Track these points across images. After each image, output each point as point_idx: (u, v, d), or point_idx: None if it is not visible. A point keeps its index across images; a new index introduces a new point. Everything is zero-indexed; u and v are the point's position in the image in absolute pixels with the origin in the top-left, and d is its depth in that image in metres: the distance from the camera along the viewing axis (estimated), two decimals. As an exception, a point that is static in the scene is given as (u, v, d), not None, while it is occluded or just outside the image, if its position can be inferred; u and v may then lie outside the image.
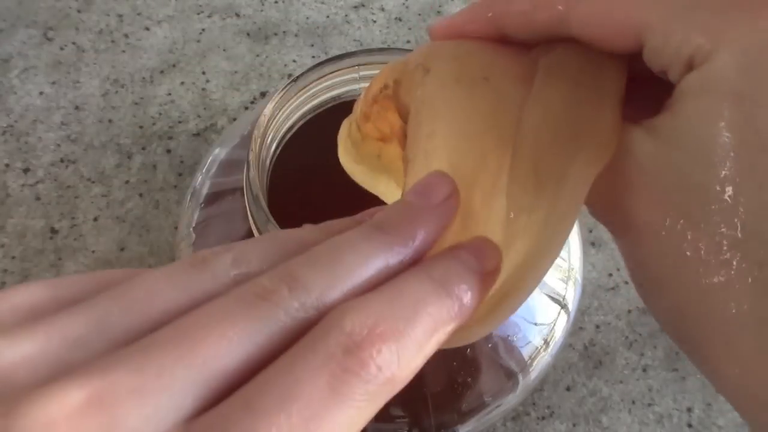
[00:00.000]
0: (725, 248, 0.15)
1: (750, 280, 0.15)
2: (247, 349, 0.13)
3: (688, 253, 0.16)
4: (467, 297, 0.16)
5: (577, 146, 0.18)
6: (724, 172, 0.15)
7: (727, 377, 0.16)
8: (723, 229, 0.15)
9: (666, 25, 0.16)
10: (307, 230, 0.18)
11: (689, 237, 0.16)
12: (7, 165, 0.46)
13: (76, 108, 0.48)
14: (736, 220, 0.15)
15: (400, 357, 0.14)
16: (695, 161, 0.16)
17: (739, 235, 0.15)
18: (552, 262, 0.18)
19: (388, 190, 0.27)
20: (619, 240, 0.19)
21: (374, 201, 0.25)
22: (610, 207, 0.18)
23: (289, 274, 0.15)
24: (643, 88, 0.19)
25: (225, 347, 0.13)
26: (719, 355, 0.16)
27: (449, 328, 0.15)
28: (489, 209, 0.19)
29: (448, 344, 0.17)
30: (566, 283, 0.31)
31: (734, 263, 0.15)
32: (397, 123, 0.23)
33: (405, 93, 0.21)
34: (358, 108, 0.24)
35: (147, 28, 0.52)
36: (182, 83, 0.50)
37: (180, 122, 0.48)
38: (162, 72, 0.50)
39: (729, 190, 0.15)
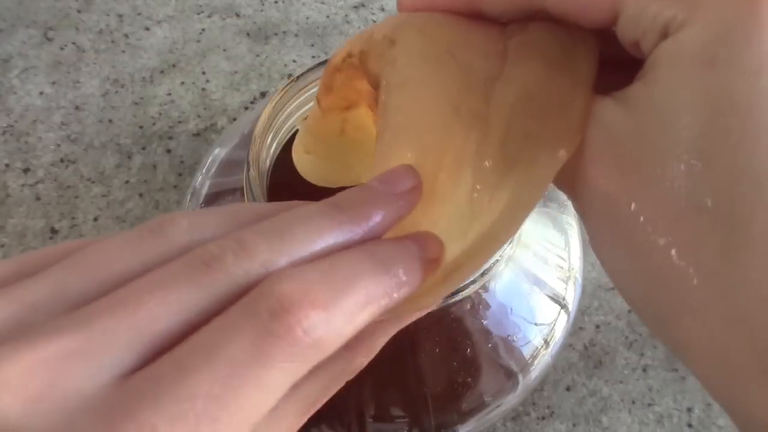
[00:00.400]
0: (695, 213, 0.15)
1: (719, 244, 0.15)
2: (187, 312, 0.14)
3: (657, 222, 0.16)
4: (405, 278, 0.16)
5: (548, 129, 0.18)
6: (697, 136, 0.15)
7: (696, 349, 0.16)
8: (694, 194, 0.15)
9: None
10: (268, 204, 0.18)
11: (659, 204, 0.16)
12: (7, 165, 0.46)
13: (76, 108, 0.48)
14: (708, 183, 0.15)
15: (329, 324, 0.15)
16: (668, 127, 0.16)
17: (710, 199, 0.15)
18: (506, 242, 0.18)
19: (340, 178, 0.27)
20: (583, 215, 0.19)
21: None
22: (576, 179, 0.18)
23: (238, 241, 0.15)
24: (609, 73, 0.19)
25: (165, 311, 0.14)
26: (688, 326, 0.16)
27: (383, 303, 0.16)
28: (454, 184, 0.19)
29: (395, 314, 0.17)
30: (566, 283, 0.31)
31: (703, 229, 0.15)
32: (365, 88, 0.22)
33: (373, 63, 0.21)
34: (320, 82, 0.24)
35: (147, 28, 0.52)
36: (182, 83, 0.50)
37: (180, 122, 0.48)
38: (162, 72, 0.50)
39: (702, 153, 0.15)
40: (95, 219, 0.44)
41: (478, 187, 0.19)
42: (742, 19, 0.15)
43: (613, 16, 0.17)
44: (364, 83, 0.22)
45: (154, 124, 0.48)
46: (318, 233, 0.16)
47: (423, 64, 0.20)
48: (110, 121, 0.48)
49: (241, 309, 0.14)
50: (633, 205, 0.16)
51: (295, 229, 0.16)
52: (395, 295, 0.16)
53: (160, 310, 0.14)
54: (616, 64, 0.19)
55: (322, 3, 0.54)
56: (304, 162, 0.27)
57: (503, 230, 0.18)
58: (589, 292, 0.44)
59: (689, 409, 0.41)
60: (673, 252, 0.16)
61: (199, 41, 0.52)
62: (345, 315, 0.15)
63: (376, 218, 0.17)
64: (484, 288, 0.28)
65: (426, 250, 0.17)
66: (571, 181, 0.18)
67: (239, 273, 0.15)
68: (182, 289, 0.14)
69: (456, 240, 0.18)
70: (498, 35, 0.20)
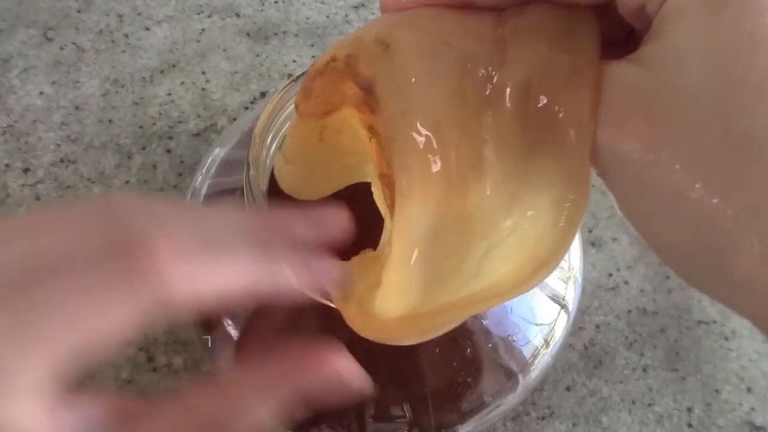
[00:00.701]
0: (731, 150, 0.15)
1: (759, 179, 0.15)
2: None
3: (693, 166, 0.16)
4: (286, 277, 0.18)
5: (566, 105, 0.18)
6: (723, 76, 0.15)
7: (759, 286, 0.16)
8: (727, 132, 0.15)
9: None
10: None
11: (693, 148, 0.16)
12: (7, 165, 0.46)
13: (76, 108, 0.48)
14: (740, 120, 0.15)
15: (185, 273, 0.15)
16: (692, 72, 0.16)
17: (742, 134, 0.15)
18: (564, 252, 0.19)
19: (320, 189, 0.27)
20: (613, 182, 0.19)
21: (371, 201, 0.25)
22: (600, 147, 0.18)
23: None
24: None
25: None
26: (742, 265, 0.16)
27: (250, 281, 0.17)
28: (479, 180, 0.19)
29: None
30: (566, 283, 0.31)
31: (741, 165, 0.15)
32: (351, 91, 0.22)
33: (365, 67, 0.21)
34: (300, 87, 0.24)
35: (147, 28, 0.52)
36: (182, 83, 0.50)
37: (180, 122, 0.48)
38: (162, 72, 0.50)
39: (731, 91, 0.15)
40: (95, 219, 0.44)
41: (506, 173, 0.19)
42: None
43: None
44: (349, 86, 0.22)
45: (154, 124, 0.48)
46: (229, 221, 0.18)
47: (421, 61, 0.19)
48: (110, 121, 0.48)
49: (109, 241, 0.15)
50: (667, 155, 0.16)
51: (213, 216, 0.17)
52: (269, 282, 0.17)
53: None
54: (609, 44, 0.19)
55: (322, 3, 0.54)
56: (284, 174, 0.27)
57: (560, 242, 0.19)
58: (589, 292, 0.44)
59: (689, 409, 0.41)
60: (714, 193, 0.16)
61: (199, 41, 0.52)
62: (204, 272, 0.16)
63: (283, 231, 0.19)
64: (484, 288, 0.28)
65: (326, 270, 0.19)
66: (593, 153, 0.18)
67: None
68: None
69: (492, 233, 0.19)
70: (492, 22, 0.20)
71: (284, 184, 0.27)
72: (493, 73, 0.19)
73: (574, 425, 0.40)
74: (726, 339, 0.42)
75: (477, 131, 0.19)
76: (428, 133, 0.19)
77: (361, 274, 0.22)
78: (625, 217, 0.19)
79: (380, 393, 0.28)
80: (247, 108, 0.49)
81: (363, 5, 0.54)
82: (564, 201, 0.19)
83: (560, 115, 0.18)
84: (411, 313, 0.20)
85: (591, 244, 0.45)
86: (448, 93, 0.19)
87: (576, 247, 0.32)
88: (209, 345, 0.29)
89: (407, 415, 0.28)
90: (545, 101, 0.19)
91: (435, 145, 0.19)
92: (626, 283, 0.44)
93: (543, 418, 0.40)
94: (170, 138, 0.47)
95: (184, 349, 0.41)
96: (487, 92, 0.19)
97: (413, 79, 0.19)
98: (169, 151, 0.47)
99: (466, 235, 0.19)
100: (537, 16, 0.20)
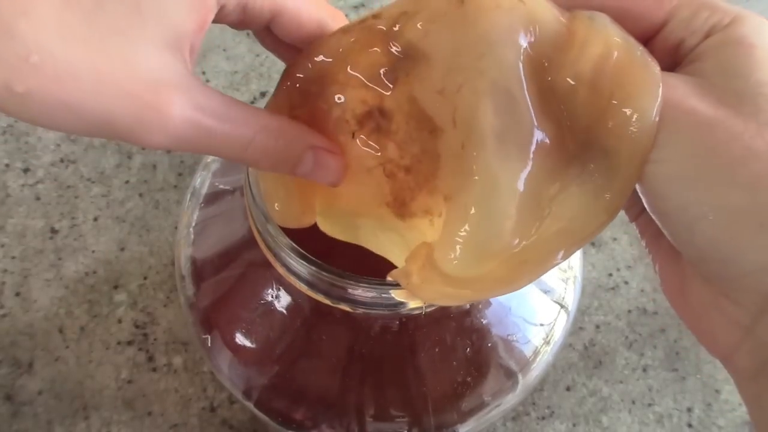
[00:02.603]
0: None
1: None
2: None
3: (727, 164, 0.18)
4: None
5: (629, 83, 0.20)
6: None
7: None
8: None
9: (693, 2, 0.21)
10: None
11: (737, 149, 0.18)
12: (7, 165, 0.46)
13: (76, 108, 0.48)
14: None
15: None
16: (735, 78, 0.19)
17: None
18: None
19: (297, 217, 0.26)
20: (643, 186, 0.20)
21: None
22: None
23: None
24: None
25: None
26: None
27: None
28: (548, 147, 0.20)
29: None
30: (566, 283, 0.31)
31: None
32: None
33: (423, 24, 0.21)
34: None
35: (147, 28, 0.52)
36: (182, 83, 0.50)
37: (180, 122, 0.48)
38: (162, 72, 0.50)
39: None
40: (95, 219, 0.44)
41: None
42: None
43: (666, 19, 0.21)
44: (369, 58, 0.22)
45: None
46: None
47: (497, 21, 0.20)
48: (110, 121, 0.48)
49: None
50: (736, 118, 0.19)
51: None
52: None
53: None
54: None
55: (322, 3, 0.54)
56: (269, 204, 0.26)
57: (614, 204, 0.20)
58: (589, 292, 0.44)
59: (689, 409, 0.41)
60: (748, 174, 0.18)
61: (199, 41, 0.52)
62: None
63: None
64: (484, 288, 0.28)
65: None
66: None
67: None
68: None
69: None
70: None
71: (272, 213, 0.26)
72: (564, 41, 0.20)
73: (574, 425, 0.40)
74: (726, 339, 0.42)
75: (541, 92, 0.20)
76: (500, 103, 0.20)
77: (413, 258, 0.22)
78: (656, 204, 0.20)
79: (380, 393, 0.29)
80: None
81: (363, 5, 0.54)
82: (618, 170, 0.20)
83: (630, 102, 0.19)
84: (491, 262, 0.21)
85: (591, 244, 0.45)
86: (516, 53, 0.20)
87: (576, 246, 0.32)
88: (209, 345, 0.29)
89: (407, 415, 0.28)
90: (613, 83, 0.20)
91: (506, 116, 0.20)
92: (626, 283, 0.44)
93: (543, 418, 0.40)
94: (170, 138, 0.47)
95: (184, 349, 0.41)
96: (557, 60, 0.20)
97: (483, 35, 0.20)
98: (169, 151, 0.47)
99: (533, 186, 0.20)
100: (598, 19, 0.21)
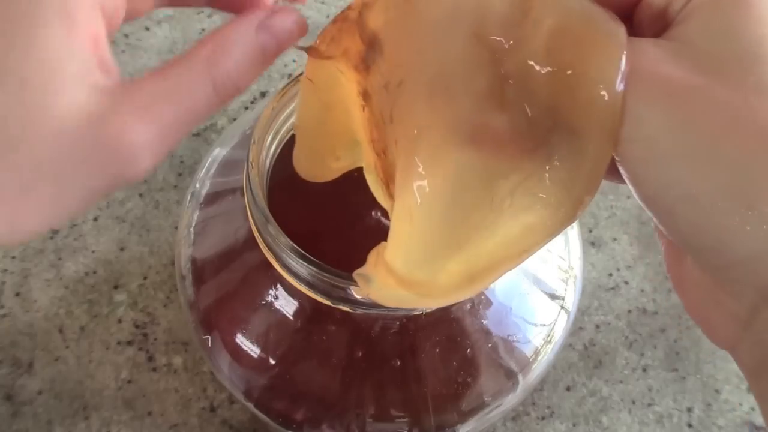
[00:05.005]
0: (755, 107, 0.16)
1: None
2: None
3: (730, 104, 0.16)
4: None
5: (599, 67, 0.18)
6: (754, 35, 0.17)
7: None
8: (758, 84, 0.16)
9: None
10: None
11: (731, 89, 0.16)
12: (7, 165, 0.46)
13: (76, 108, 0.48)
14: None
15: None
16: (722, 39, 0.17)
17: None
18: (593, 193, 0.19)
19: (327, 166, 0.26)
20: (625, 163, 0.18)
21: (374, 200, 0.25)
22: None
23: None
24: None
25: None
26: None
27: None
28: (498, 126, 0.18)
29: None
30: (566, 283, 0.31)
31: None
32: (354, 48, 0.21)
33: (378, 16, 0.20)
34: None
35: (147, 28, 0.52)
36: (182, 83, 0.50)
37: (180, 122, 0.48)
38: (162, 72, 0.50)
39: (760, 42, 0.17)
40: (95, 219, 0.44)
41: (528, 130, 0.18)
42: None
43: None
44: (354, 41, 0.21)
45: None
46: None
47: (439, 7, 0.19)
48: (110, 121, 0.48)
49: None
50: (710, 93, 0.17)
51: None
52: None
53: None
54: None
55: (322, 3, 0.54)
56: (296, 151, 0.26)
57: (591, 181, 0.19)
58: (589, 292, 0.44)
59: (689, 409, 0.41)
60: (758, 122, 0.16)
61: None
62: None
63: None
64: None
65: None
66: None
67: None
68: None
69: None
70: None
71: (296, 163, 0.26)
72: (517, 21, 0.19)
73: (574, 425, 0.40)
74: (726, 339, 0.42)
75: (494, 81, 0.19)
76: (440, 84, 0.19)
77: (374, 260, 0.21)
78: (636, 183, 0.18)
79: (380, 393, 0.29)
80: (247, 108, 0.49)
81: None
82: (589, 148, 0.19)
83: (590, 73, 0.18)
84: (455, 265, 0.20)
85: (591, 244, 0.45)
86: (463, 42, 0.19)
87: (576, 247, 0.32)
88: (209, 345, 0.29)
89: (407, 415, 0.28)
90: (571, 56, 0.18)
91: (448, 97, 0.18)
92: (626, 283, 0.44)
93: (543, 418, 0.40)
94: (170, 138, 0.47)
95: (184, 349, 0.41)
96: (509, 42, 0.19)
97: (428, 26, 0.19)
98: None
99: (486, 178, 0.19)
100: None
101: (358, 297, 0.24)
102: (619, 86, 0.17)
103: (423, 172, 0.19)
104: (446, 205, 0.19)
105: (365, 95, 0.21)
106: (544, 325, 0.30)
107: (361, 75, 0.21)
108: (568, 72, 0.18)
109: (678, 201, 0.17)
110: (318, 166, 0.26)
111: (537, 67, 0.18)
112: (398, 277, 0.20)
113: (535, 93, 0.18)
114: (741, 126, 0.16)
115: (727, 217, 0.16)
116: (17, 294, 0.42)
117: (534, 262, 0.30)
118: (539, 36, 0.18)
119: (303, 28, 0.21)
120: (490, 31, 0.19)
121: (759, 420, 0.41)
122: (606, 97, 0.17)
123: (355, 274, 0.22)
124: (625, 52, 0.17)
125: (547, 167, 0.18)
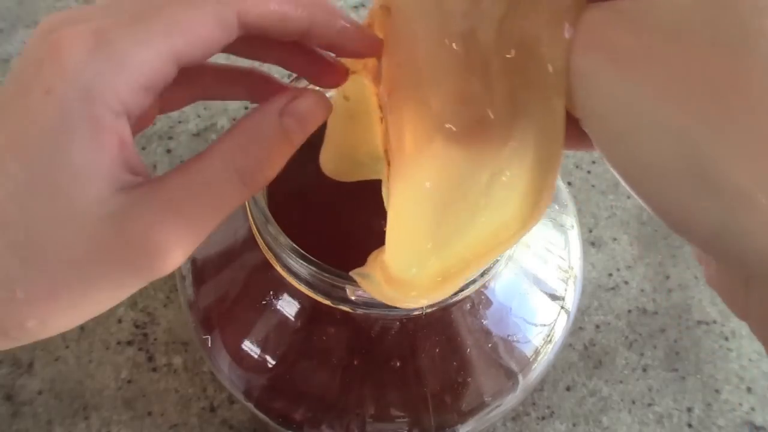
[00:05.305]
0: (714, 59, 0.15)
1: (749, 84, 0.15)
2: None
3: (674, 77, 0.15)
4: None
5: (549, 42, 0.18)
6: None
7: (738, 193, 0.15)
8: (713, 41, 0.15)
9: None
10: None
11: (675, 59, 0.16)
12: (7, 165, 0.46)
13: (76, 108, 0.48)
14: (726, 28, 0.15)
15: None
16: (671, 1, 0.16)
17: (729, 40, 0.15)
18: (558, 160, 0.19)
19: (353, 157, 0.27)
20: (586, 105, 0.18)
21: (374, 200, 0.25)
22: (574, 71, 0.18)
23: None
24: None
25: None
26: (724, 173, 0.15)
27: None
28: (470, 118, 0.19)
29: None
30: (566, 283, 0.31)
31: (725, 72, 0.15)
32: (371, 62, 0.22)
33: (378, 32, 0.21)
34: None
35: (147, 28, 0.52)
36: (182, 83, 0.50)
37: (180, 122, 0.48)
38: (162, 72, 0.50)
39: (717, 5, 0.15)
40: (95, 219, 0.44)
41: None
42: None
43: None
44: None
45: (154, 124, 0.48)
46: None
47: (416, 19, 0.20)
48: (110, 121, 0.48)
49: None
50: (654, 62, 0.16)
51: None
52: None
53: None
54: None
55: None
56: (324, 150, 0.27)
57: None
58: (589, 292, 0.44)
59: (689, 409, 0.41)
60: (704, 96, 0.15)
61: (199, 41, 0.52)
62: None
63: None
64: (484, 287, 0.28)
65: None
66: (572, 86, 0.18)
67: None
68: None
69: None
70: None
71: (323, 161, 0.27)
72: (471, 12, 0.19)
73: (574, 425, 0.40)
74: (726, 339, 0.42)
75: (462, 72, 0.19)
76: (417, 86, 0.19)
77: (373, 258, 0.22)
78: (604, 156, 0.18)
79: (380, 393, 0.28)
80: (247, 108, 0.49)
81: (363, 5, 0.54)
82: (545, 135, 0.19)
83: (540, 48, 0.18)
84: (433, 264, 0.20)
85: (591, 244, 0.45)
86: (437, 42, 0.19)
87: (576, 247, 0.32)
88: (209, 345, 0.29)
89: (407, 415, 0.28)
90: (524, 33, 0.18)
91: (425, 91, 0.19)
92: (626, 283, 0.44)
93: (543, 418, 0.40)
94: (170, 138, 0.47)
95: (184, 349, 0.41)
96: (470, 30, 0.19)
97: (408, 36, 0.20)
98: (169, 151, 0.47)
99: (466, 167, 0.19)
100: None
101: (351, 297, 0.24)
102: (566, 59, 0.17)
103: (406, 174, 0.19)
104: (430, 207, 0.19)
105: (381, 107, 0.22)
106: (544, 325, 0.30)
107: (377, 87, 0.22)
108: (520, 47, 0.18)
109: (641, 175, 0.16)
110: (344, 166, 0.27)
111: (495, 49, 0.19)
112: (387, 276, 0.20)
113: (499, 78, 0.19)
114: (690, 86, 0.15)
115: (684, 191, 0.16)
116: (17, 294, 0.42)
117: (534, 262, 0.30)
118: (495, 11, 0.19)
119: (327, 108, 0.21)
120: (456, 27, 0.19)
121: (759, 420, 0.41)
122: (551, 69, 0.18)
123: (353, 272, 0.22)
124: (566, 22, 0.17)
125: (516, 157, 0.19)
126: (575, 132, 0.19)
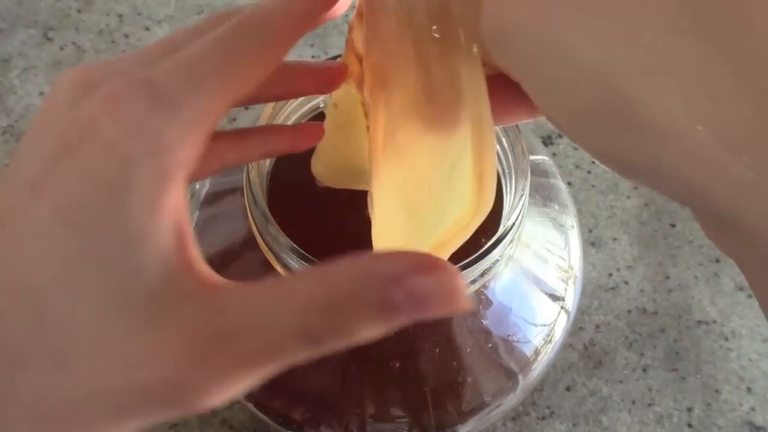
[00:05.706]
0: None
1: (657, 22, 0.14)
2: None
3: (592, 20, 0.15)
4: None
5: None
6: None
7: (663, 131, 0.14)
8: None
9: None
10: None
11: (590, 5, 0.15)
12: (7, 165, 0.46)
13: (76, 108, 0.48)
14: None
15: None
16: None
17: None
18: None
19: (346, 165, 0.27)
20: (510, 62, 0.17)
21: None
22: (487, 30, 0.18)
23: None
24: None
25: None
26: (648, 112, 0.14)
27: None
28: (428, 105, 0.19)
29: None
30: (566, 283, 0.31)
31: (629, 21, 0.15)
32: (355, 69, 0.23)
33: (356, 39, 0.22)
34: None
35: (147, 28, 0.52)
36: (182, 83, 0.50)
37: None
38: (162, 72, 0.50)
39: None
40: (95, 219, 0.44)
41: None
42: None
43: None
44: (354, 61, 0.22)
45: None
46: None
47: (384, 15, 0.20)
48: (110, 121, 0.48)
49: None
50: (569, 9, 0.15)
51: None
52: None
53: None
54: None
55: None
56: (315, 157, 0.27)
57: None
58: (589, 292, 0.44)
59: (689, 409, 0.41)
60: (618, 35, 0.15)
61: (199, 41, 0.52)
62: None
63: None
64: (484, 287, 0.28)
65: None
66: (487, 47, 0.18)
67: None
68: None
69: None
70: None
71: (313, 164, 0.27)
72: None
73: (574, 425, 0.40)
74: (726, 339, 0.42)
75: (414, 65, 0.20)
76: (383, 87, 0.20)
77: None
78: (541, 110, 0.17)
79: (380, 393, 0.29)
80: (247, 108, 0.49)
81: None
82: (476, 113, 0.19)
83: (454, 17, 0.19)
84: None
85: (591, 244, 0.45)
86: (394, 36, 0.20)
87: (576, 247, 0.32)
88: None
89: (407, 415, 0.28)
90: (442, 6, 0.19)
91: (386, 82, 0.20)
92: (626, 283, 0.44)
93: (543, 418, 0.40)
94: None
95: (184, 349, 0.41)
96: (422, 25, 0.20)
97: (377, 35, 0.20)
98: (169, 151, 0.47)
99: (429, 163, 0.20)
100: None
101: None
102: (474, 18, 0.17)
103: (379, 173, 0.20)
104: (403, 206, 0.20)
105: (366, 114, 0.22)
106: (544, 325, 0.30)
107: (362, 93, 0.22)
108: (440, 27, 0.19)
109: (573, 123, 0.16)
110: (333, 174, 0.27)
111: (429, 38, 0.19)
112: None
113: (436, 66, 0.19)
114: (599, 20, 0.15)
115: (614, 135, 0.15)
116: (17, 294, 0.42)
117: (534, 262, 0.30)
118: (423, 4, 0.19)
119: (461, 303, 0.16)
120: (413, 19, 0.20)
121: (759, 420, 0.41)
122: (462, 36, 0.18)
123: None
124: None
125: (463, 143, 0.19)
126: (527, 101, 0.18)
